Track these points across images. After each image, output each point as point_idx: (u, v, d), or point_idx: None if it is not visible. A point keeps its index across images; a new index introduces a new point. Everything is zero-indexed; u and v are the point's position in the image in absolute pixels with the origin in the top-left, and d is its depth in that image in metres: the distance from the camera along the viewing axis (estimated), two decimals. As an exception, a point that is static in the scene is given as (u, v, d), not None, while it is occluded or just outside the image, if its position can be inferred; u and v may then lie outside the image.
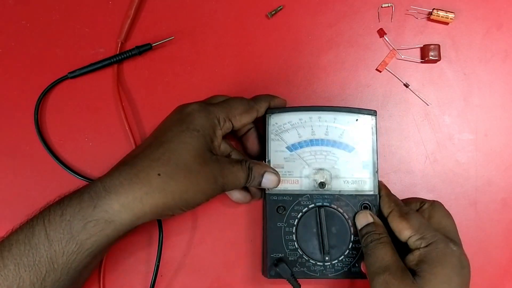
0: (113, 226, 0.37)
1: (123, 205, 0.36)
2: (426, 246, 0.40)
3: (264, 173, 0.43)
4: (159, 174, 0.37)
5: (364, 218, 0.44)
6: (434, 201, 0.45)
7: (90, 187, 0.38)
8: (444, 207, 0.45)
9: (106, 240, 0.37)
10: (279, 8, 0.52)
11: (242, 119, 0.43)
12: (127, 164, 0.38)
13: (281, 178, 0.44)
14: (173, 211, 0.39)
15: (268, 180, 0.43)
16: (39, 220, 0.37)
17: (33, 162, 0.49)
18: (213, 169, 0.39)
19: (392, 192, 0.49)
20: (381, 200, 0.46)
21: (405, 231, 0.41)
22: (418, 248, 0.40)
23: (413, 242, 0.41)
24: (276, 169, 0.45)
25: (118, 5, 0.51)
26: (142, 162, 0.38)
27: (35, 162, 0.49)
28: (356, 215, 0.45)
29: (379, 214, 0.45)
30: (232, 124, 0.42)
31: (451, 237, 0.41)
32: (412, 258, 0.40)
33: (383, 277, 0.39)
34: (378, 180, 0.47)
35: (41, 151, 0.49)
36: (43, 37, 0.51)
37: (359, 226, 0.44)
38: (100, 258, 0.43)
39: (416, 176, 0.51)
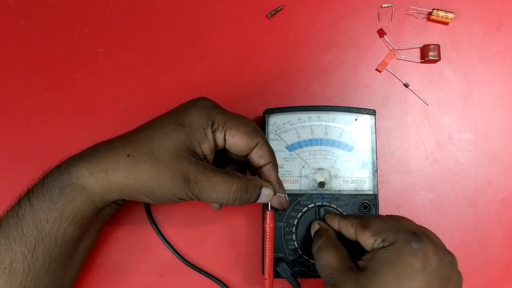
0: (86, 193, 0.38)
1: (91, 174, 0.38)
2: (383, 247, 0.37)
3: (260, 188, 0.40)
4: (128, 155, 0.38)
5: (314, 227, 0.44)
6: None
7: (69, 158, 0.40)
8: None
9: (84, 208, 0.39)
10: (279, 8, 0.52)
11: (236, 140, 0.40)
12: (110, 140, 0.40)
13: (281, 178, 0.44)
14: (141, 196, 0.39)
15: (264, 196, 0.40)
16: (24, 194, 0.39)
17: (33, 162, 0.49)
18: (185, 169, 0.37)
19: (392, 192, 0.49)
20: (341, 227, 0.42)
21: (368, 240, 0.38)
22: (373, 249, 0.38)
23: (375, 246, 0.38)
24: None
25: (118, 5, 0.51)
26: (119, 141, 0.39)
27: (35, 162, 0.49)
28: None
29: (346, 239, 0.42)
30: (225, 138, 0.40)
31: (420, 235, 0.37)
32: (364, 257, 0.38)
33: (329, 280, 0.38)
34: (332, 212, 0.45)
35: (41, 151, 0.49)
36: (43, 37, 0.51)
37: (312, 235, 0.44)
38: (91, 240, 0.43)
39: (416, 176, 0.51)
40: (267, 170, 0.42)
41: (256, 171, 0.42)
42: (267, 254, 0.43)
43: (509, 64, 0.53)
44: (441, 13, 0.51)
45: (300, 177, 0.47)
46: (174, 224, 0.49)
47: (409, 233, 0.36)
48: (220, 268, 0.49)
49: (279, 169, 0.45)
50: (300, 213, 0.46)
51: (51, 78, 0.50)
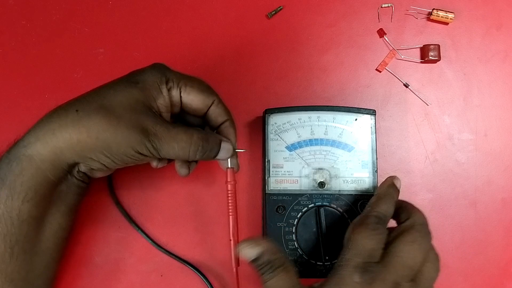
0: (35, 163, 0.36)
1: (38, 138, 0.36)
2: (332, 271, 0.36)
3: (220, 142, 0.40)
4: (77, 110, 0.36)
5: (250, 252, 0.36)
6: (414, 223, 0.38)
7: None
8: (418, 233, 0.37)
9: (36, 182, 0.36)
10: (279, 8, 0.52)
11: (192, 96, 0.40)
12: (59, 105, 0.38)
13: (280, 178, 0.44)
14: (95, 155, 0.37)
15: (224, 150, 0.40)
16: None
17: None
18: (142, 120, 0.36)
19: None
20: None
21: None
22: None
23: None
24: (276, 169, 0.45)
25: (118, 5, 0.51)
26: (68, 102, 0.38)
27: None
28: (240, 247, 0.37)
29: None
30: (181, 95, 0.40)
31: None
32: (316, 284, 0.37)
33: None
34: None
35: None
36: (43, 37, 0.51)
37: (248, 259, 0.37)
38: (59, 224, 0.40)
39: (416, 176, 0.51)
40: (226, 127, 0.42)
41: (214, 131, 0.42)
42: (230, 214, 0.43)
43: (509, 64, 0.53)
44: (441, 13, 0.51)
45: (300, 177, 0.47)
46: (173, 224, 0.49)
47: (362, 263, 0.35)
48: (220, 268, 0.49)
49: (279, 169, 0.46)
50: (300, 213, 0.46)
51: (51, 78, 0.50)
